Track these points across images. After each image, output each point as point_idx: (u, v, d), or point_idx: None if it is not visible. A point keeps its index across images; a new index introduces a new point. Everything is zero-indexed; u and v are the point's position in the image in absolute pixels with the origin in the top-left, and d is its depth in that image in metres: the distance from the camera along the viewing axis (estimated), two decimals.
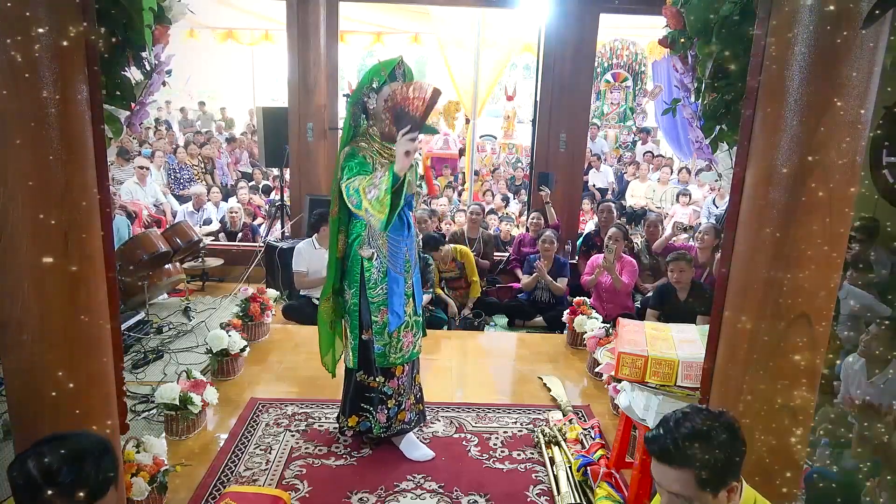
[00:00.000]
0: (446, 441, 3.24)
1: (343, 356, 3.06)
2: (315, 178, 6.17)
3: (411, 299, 2.92)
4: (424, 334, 3.13)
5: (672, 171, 10.15)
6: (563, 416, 3.45)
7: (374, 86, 2.70)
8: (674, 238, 5.74)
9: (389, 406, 2.97)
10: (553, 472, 2.94)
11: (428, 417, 3.31)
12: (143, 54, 2.20)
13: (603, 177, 10.03)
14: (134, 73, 2.20)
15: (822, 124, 1.70)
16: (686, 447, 1.44)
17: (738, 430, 1.49)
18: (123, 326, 4.15)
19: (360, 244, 2.81)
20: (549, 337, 4.94)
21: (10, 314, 1.82)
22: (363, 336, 2.89)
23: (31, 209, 1.76)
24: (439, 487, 2.85)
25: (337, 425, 3.20)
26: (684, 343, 2.47)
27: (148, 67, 2.25)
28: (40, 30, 1.68)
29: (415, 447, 3.08)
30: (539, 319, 5.34)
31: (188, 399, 3.10)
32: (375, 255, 2.80)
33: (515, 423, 3.47)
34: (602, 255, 5.20)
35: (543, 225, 5.77)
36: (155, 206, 7.61)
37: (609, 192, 9.72)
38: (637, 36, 10.98)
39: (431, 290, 4.86)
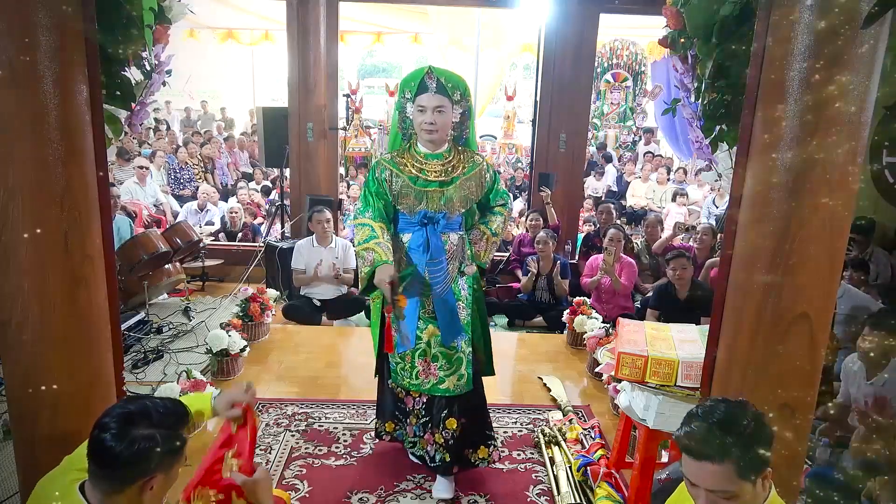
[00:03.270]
0: None
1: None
2: (315, 178, 6.17)
3: (430, 325, 2.65)
4: (479, 373, 2.80)
5: (670, 172, 10.15)
6: (563, 416, 3.45)
7: (408, 97, 2.60)
8: (674, 238, 5.75)
9: (412, 423, 2.79)
10: (553, 472, 2.94)
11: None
12: (143, 54, 2.21)
13: (609, 178, 10.03)
14: (134, 73, 2.20)
15: (822, 124, 1.70)
16: (724, 439, 1.43)
17: (762, 416, 1.50)
18: (123, 326, 4.15)
19: None
20: (549, 337, 4.94)
21: (10, 314, 1.82)
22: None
23: (31, 209, 1.76)
24: None
25: (373, 429, 3.07)
26: (684, 343, 2.47)
27: (148, 67, 2.26)
28: (40, 30, 1.68)
29: (440, 486, 2.80)
30: (539, 319, 5.33)
31: None
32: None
33: (515, 423, 3.47)
34: (601, 255, 5.20)
35: (542, 225, 5.77)
36: (155, 206, 7.62)
37: (603, 193, 9.70)
38: (637, 36, 10.98)
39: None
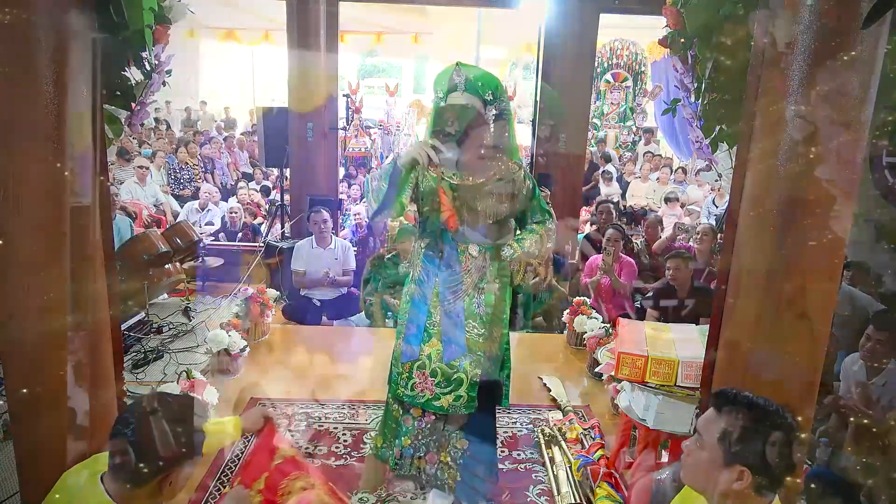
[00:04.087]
0: None
1: None
2: (315, 178, 6.17)
3: (433, 338, 2.50)
4: (475, 401, 2.52)
5: (671, 172, 10.13)
6: (563, 416, 3.45)
7: (440, 96, 2.43)
8: (674, 239, 5.75)
9: (404, 444, 2.59)
10: (553, 472, 2.94)
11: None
12: (143, 54, 2.21)
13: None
14: (134, 73, 2.20)
15: (822, 124, 1.70)
16: (735, 398, 1.46)
17: (793, 440, 1.43)
18: (123, 326, 4.15)
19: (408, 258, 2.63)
20: (549, 337, 4.94)
21: (10, 313, 1.82)
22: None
23: (31, 209, 1.76)
24: None
25: (373, 429, 2.97)
26: (684, 343, 2.47)
27: (148, 67, 2.26)
28: (40, 30, 1.68)
29: (436, 500, 2.64)
30: (539, 319, 5.33)
31: None
32: (411, 274, 2.61)
33: (515, 423, 3.47)
34: (601, 255, 5.20)
35: None
36: (155, 206, 7.61)
37: (618, 196, 9.63)
38: (637, 36, 10.99)
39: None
